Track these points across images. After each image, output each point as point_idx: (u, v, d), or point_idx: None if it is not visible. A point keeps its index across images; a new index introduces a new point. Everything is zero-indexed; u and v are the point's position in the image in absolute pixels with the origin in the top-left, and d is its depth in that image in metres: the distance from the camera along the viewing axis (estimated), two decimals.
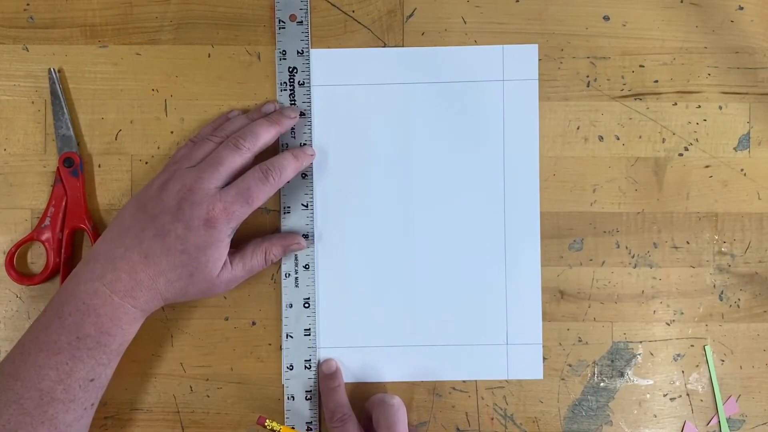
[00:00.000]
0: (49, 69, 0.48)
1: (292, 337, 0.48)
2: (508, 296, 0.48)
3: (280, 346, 0.48)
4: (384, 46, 0.49)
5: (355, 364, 0.48)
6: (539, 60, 0.49)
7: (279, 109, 0.47)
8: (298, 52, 0.47)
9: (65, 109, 0.48)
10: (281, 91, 0.48)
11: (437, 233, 0.48)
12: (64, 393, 0.39)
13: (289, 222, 0.48)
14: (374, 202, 0.48)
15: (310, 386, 0.48)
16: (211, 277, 0.43)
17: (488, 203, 0.48)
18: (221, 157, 0.43)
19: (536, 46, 0.48)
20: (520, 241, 0.48)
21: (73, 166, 0.47)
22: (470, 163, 0.48)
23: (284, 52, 0.47)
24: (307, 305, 0.48)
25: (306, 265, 0.48)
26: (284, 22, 0.47)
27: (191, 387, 0.48)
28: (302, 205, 0.48)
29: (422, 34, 0.49)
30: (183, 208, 0.41)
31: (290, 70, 0.48)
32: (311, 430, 0.47)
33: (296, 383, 0.48)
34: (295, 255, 0.48)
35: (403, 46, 0.49)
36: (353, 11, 0.49)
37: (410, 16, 0.49)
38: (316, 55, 0.48)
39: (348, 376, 0.48)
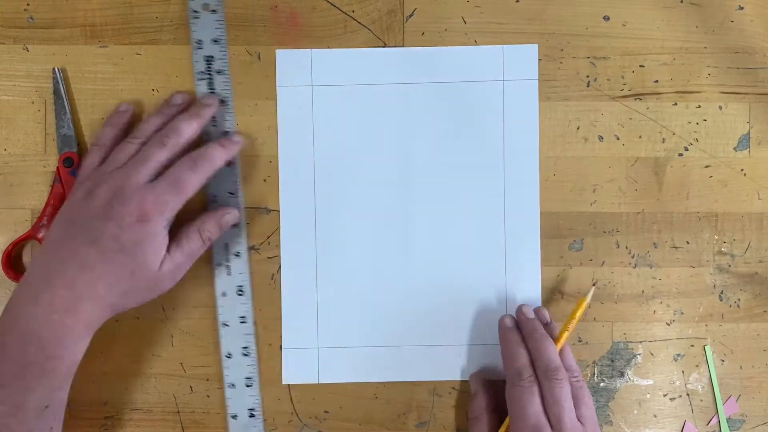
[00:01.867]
0: (54, 68, 0.48)
1: (228, 325, 0.48)
2: (508, 296, 0.48)
3: (281, 346, 0.48)
4: (384, 46, 0.49)
5: (355, 364, 0.48)
6: (539, 60, 0.49)
7: (199, 100, 0.47)
8: (213, 41, 0.47)
9: (67, 109, 0.48)
10: (199, 80, 0.47)
11: (437, 233, 0.48)
12: (20, 425, 0.38)
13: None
14: (374, 202, 0.48)
15: (249, 373, 0.47)
16: (153, 272, 0.42)
17: (488, 203, 0.48)
18: (147, 154, 0.42)
19: (536, 46, 0.48)
20: (520, 241, 0.48)
21: (72, 166, 0.47)
22: (470, 163, 0.48)
23: (200, 42, 0.47)
24: (240, 293, 0.48)
25: (237, 252, 0.47)
26: (198, 12, 0.47)
27: (191, 387, 0.48)
28: (229, 192, 0.47)
29: (422, 34, 0.49)
30: (113, 207, 0.40)
31: (206, 59, 0.47)
32: (254, 416, 0.47)
33: (235, 371, 0.47)
34: (226, 244, 0.47)
35: (403, 46, 0.49)
36: (353, 11, 0.49)
37: (410, 16, 0.49)
38: (317, 55, 0.48)
39: (348, 376, 0.48)
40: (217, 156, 0.44)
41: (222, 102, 0.47)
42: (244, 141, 0.47)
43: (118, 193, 0.41)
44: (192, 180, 0.43)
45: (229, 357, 0.47)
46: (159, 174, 0.43)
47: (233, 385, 0.47)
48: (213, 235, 0.45)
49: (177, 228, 0.44)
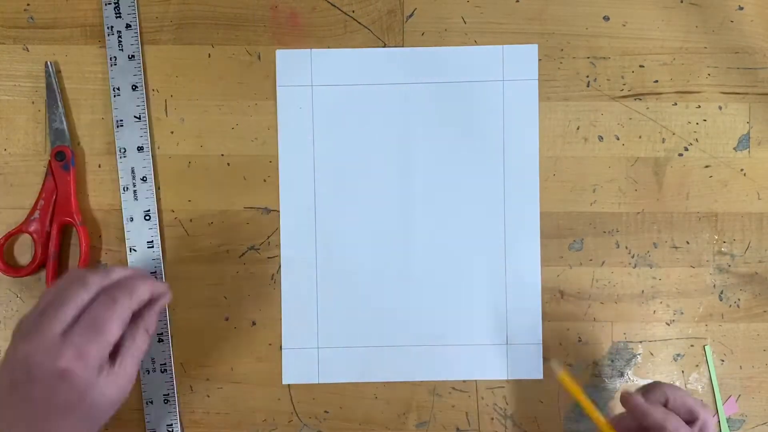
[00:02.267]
0: (46, 62, 0.48)
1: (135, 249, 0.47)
2: (508, 296, 0.48)
3: (281, 346, 0.48)
4: (384, 46, 0.49)
5: (354, 364, 0.48)
6: (539, 60, 0.49)
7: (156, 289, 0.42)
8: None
9: (60, 103, 0.48)
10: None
11: (437, 233, 0.48)
12: None
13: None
14: (374, 202, 0.48)
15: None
16: (112, 404, 0.38)
17: (488, 203, 0.48)
18: (61, 296, 0.38)
19: (536, 46, 0.48)
20: (520, 241, 0.48)
21: (64, 160, 0.47)
22: (470, 163, 0.48)
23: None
24: (147, 218, 0.48)
25: (143, 177, 0.47)
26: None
27: (191, 387, 0.48)
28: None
29: (422, 34, 0.49)
30: (22, 392, 0.36)
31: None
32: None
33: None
34: (132, 168, 0.47)
35: (403, 46, 0.49)
36: (353, 11, 0.49)
37: (410, 16, 0.49)
38: (317, 55, 0.48)
39: (348, 376, 0.48)
40: (140, 285, 0.40)
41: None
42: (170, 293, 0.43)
43: (22, 370, 0.36)
44: (113, 316, 0.38)
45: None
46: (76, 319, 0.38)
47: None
48: (154, 326, 0.42)
49: None
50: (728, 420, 0.48)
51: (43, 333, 0.37)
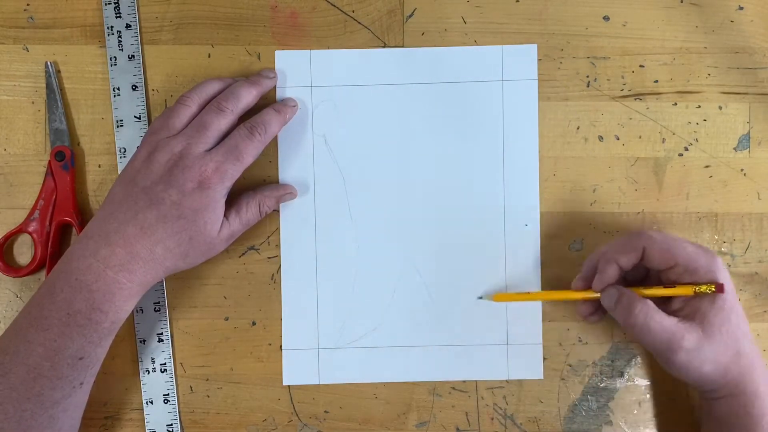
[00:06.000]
0: (46, 62, 0.48)
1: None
2: None
3: (281, 346, 0.48)
4: (384, 46, 0.49)
5: (354, 364, 0.48)
6: (539, 60, 0.49)
7: (260, 71, 0.48)
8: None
9: (59, 103, 0.48)
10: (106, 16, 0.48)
11: (437, 233, 0.48)
12: (51, 370, 0.39)
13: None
14: (374, 202, 0.48)
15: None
16: (211, 238, 0.43)
17: (488, 203, 0.48)
18: (206, 121, 0.43)
19: (535, 46, 0.48)
20: (520, 241, 0.48)
21: (64, 160, 0.47)
22: (470, 163, 0.48)
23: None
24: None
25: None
26: None
27: (191, 387, 0.48)
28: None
29: (422, 34, 0.49)
30: (175, 174, 0.41)
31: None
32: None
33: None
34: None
35: (403, 46, 0.49)
36: (353, 11, 0.49)
37: (410, 16, 0.49)
38: (316, 55, 0.48)
39: (348, 376, 0.48)
40: (272, 121, 0.45)
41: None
42: (298, 106, 0.48)
43: (179, 161, 0.42)
44: (250, 147, 0.43)
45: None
46: (218, 141, 0.43)
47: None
48: (269, 210, 0.47)
49: (233, 195, 0.45)
50: None
51: (190, 148, 0.42)
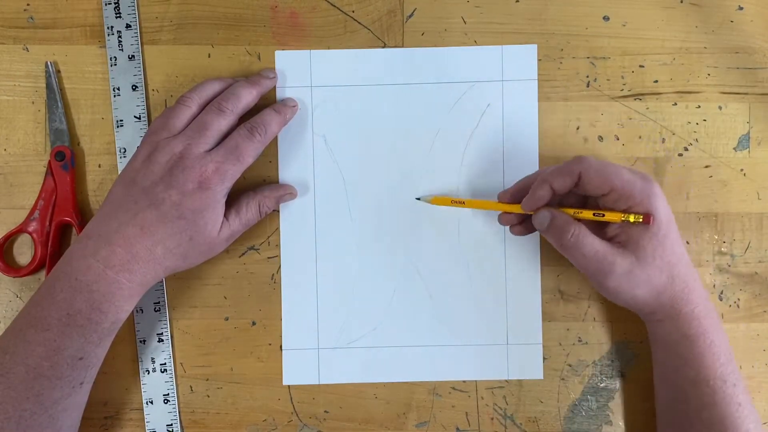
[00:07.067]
0: (46, 62, 0.48)
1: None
2: (508, 296, 0.48)
3: (281, 346, 0.48)
4: (384, 46, 0.49)
5: (354, 364, 0.48)
6: (539, 60, 0.49)
7: (260, 71, 0.48)
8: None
9: (59, 103, 0.48)
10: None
11: (437, 233, 0.48)
12: (51, 370, 0.39)
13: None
14: (374, 202, 0.48)
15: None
16: (211, 238, 0.43)
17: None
18: (206, 121, 0.43)
19: (535, 46, 0.48)
20: (519, 241, 0.48)
21: (64, 160, 0.47)
22: (470, 163, 0.48)
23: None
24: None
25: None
26: None
27: (191, 387, 0.48)
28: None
29: (422, 34, 0.49)
30: (175, 175, 0.41)
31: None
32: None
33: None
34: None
35: (403, 46, 0.49)
36: (353, 11, 0.49)
37: (410, 16, 0.49)
38: (316, 56, 0.48)
39: (348, 376, 0.48)
40: (272, 122, 0.45)
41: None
42: (298, 106, 0.48)
43: (179, 162, 0.42)
44: (250, 148, 0.44)
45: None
46: (218, 141, 0.43)
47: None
48: (269, 210, 0.47)
49: (233, 195, 0.45)
50: None
51: (190, 148, 0.42)
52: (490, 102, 0.48)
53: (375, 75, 0.48)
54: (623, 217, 0.41)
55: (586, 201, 0.45)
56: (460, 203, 0.46)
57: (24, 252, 0.48)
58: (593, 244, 0.41)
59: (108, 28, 0.48)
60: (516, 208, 0.45)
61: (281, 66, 0.48)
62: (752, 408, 0.42)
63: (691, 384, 0.42)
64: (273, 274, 0.49)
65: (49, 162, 0.47)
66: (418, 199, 0.47)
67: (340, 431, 0.48)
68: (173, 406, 0.48)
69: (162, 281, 0.48)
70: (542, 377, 0.48)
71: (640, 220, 0.41)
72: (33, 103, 0.48)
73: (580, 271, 0.44)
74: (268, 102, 0.48)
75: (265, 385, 0.48)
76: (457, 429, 0.48)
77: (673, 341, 0.43)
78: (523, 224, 0.46)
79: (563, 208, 0.43)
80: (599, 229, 0.43)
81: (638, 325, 0.48)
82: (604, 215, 0.42)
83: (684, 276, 0.42)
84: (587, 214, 0.42)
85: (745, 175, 0.49)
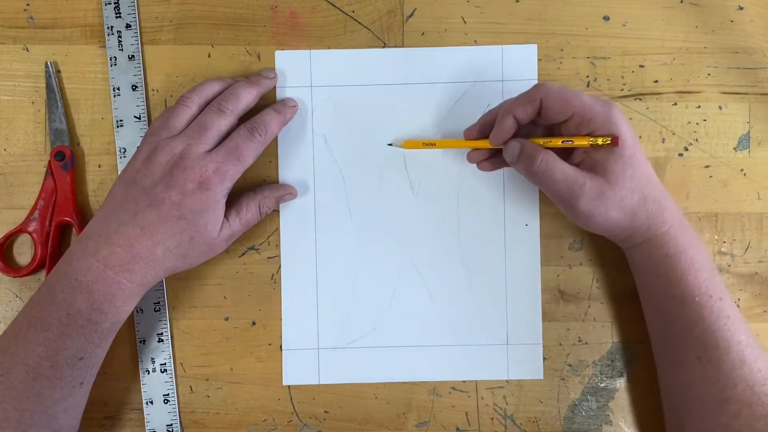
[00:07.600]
0: (46, 62, 0.48)
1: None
2: (508, 296, 0.48)
3: (281, 346, 0.48)
4: (384, 46, 0.49)
5: (354, 364, 0.48)
6: (539, 60, 0.49)
7: (260, 72, 0.48)
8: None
9: (59, 103, 0.48)
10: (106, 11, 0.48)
11: (437, 233, 0.48)
12: (51, 370, 0.39)
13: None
14: (374, 202, 0.48)
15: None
16: (211, 238, 0.43)
17: (488, 203, 0.48)
18: (206, 122, 0.43)
19: (535, 46, 0.48)
20: (520, 241, 0.48)
21: (64, 160, 0.47)
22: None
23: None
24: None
25: None
26: None
27: (191, 387, 0.48)
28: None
29: (422, 34, 0.49)
30: (175, 175, 0.41)
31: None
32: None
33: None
34: None
35: (403, 46, 0.49)
36: (353, 11, 0.49)
37: (410, 16, 0.49)
38: (316, 56, 0.48)
39: (348, 377, 0.48)
40: (272, 122, 0.45)
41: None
42: (298, 106, 0.48)
43: (179, 162, 0.42)
44: (250, 148, 0.44)
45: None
46: (218, 142, 0.43)
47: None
48: (269, 210, 0.47)
49: (233, 195, 0.45)
50: None
51: (190, 149, 0.42)
52: (490, 102, 0.48)
53: (375, 75, 0.48)
54: (591, 140, 0.42)
55: (551, 134, 0.45)
56: (431, 144, 0.46)
57: (24, 252, 0.48)
58: (563, 168, 0.41)
59: (108, 28, 0.48)
60: (485, 144, 0.45)
61: (281, 66, 0.48)
62: (742, 319, 0.42)
63: (679, 303, 0.42)
64: (273, 274, 0.49)
65: (49, 162, 0.47)
66: (390, 144, 0.48)
67: (340, 431, 0.48)
68: (173, 406, 0.48)
69: (162, 281, 0.48)
70: (542, 377, 0.48)
71: (608, 142, 0.41)
72: (33, 103, 0.48)
73: (563, 214, 0.44)
74: (268, 102, 0.48)
75: (265, 385, 0.48)
76: (457, 429, 0.48)
77: (654, 263, 0.43)
78: (490, 160, 0.46)
79: (532, 139, 0.44)
80: (565, 158, 0.43)
81: (638, 325, 0.48)
82: (572, 141, 0.42)
83: (656, 196, 0.42)
84: (556, 142, 0.43)
85: (745, 175, 0.49)
